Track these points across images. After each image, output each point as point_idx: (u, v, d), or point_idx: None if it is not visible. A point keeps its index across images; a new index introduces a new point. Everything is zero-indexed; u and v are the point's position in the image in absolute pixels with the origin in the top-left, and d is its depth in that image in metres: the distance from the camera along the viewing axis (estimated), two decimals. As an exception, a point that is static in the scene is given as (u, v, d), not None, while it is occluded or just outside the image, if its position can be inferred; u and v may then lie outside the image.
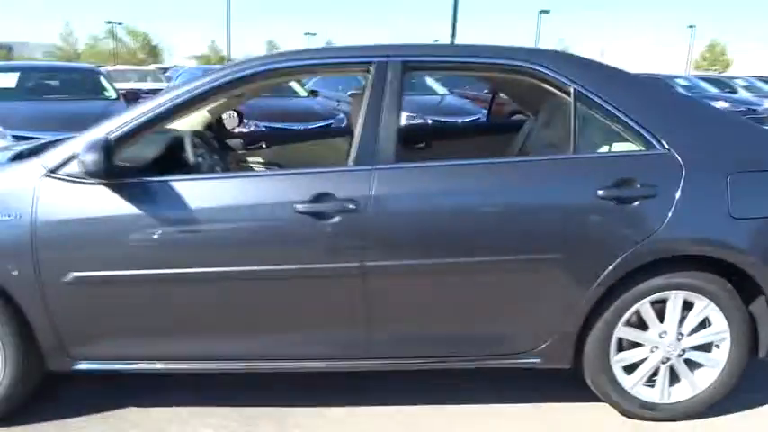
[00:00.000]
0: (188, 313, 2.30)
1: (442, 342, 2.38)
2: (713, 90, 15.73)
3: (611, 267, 2.26)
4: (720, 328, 2.38)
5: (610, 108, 2.36)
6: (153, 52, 76.31)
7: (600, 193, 2.23)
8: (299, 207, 2.19)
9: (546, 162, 2.39)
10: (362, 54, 2.45)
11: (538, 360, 2.41)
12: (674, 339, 2.40)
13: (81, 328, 2.31)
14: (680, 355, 2.42)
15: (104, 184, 2.21)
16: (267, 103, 7.71)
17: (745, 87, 16.91)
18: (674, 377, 2.46)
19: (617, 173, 2.26)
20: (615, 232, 2.26)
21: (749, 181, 2.28)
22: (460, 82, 12.17)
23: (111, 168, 2.12)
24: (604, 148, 2.49)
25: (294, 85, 9.43)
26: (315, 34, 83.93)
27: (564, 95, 2.42)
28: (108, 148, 2.11)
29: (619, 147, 2.45)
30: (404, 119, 3.40)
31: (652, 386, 2.46)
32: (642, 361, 2.44)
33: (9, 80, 7.53)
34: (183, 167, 2.54)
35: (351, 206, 2.20)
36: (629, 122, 2.34)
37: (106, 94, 7.96)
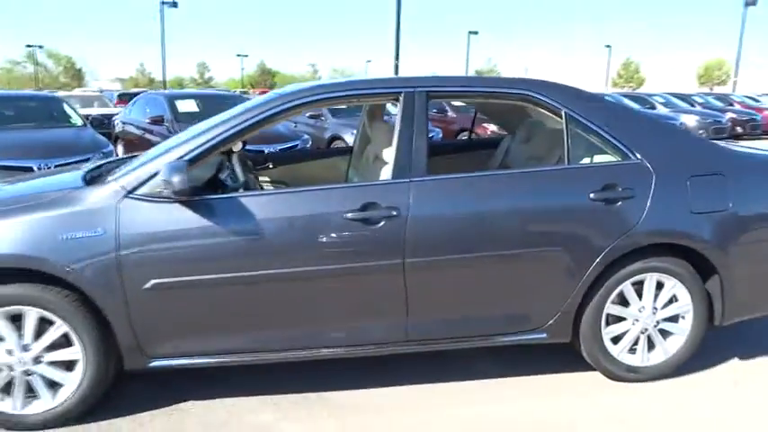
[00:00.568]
0: (252, 311, 2.65)
1: (468, 324, 2.83)
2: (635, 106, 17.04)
3: (601, 256, 2.79)
4: (685, 303, 2.96)
5: (593, 126, 2.91)
6: (77, 76, 73.86)
7: (592, 195, 2.77)
8: (349, 215, 2.61)
9: (548, 172, 2.91)
10: (392, 85, 2.91)
11: (544, 336, 2.90)
12: (651, 313, 2.95)
13: (156, 330, 2.61)
14: (655, 326, 2.98)
15: (178, 202, 2.55)
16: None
17: (663, 103, 18.43)
18: (650, 345, 3.01)
19: (603, 179, 2.81)
20: (604, 227, 2.79)
21: (704, 183, 2.88)
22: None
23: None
24: (587, 160, 3.04)
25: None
26: (247, 56, 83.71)
27: (556, 117, 2.95)
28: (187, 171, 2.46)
29: (600, 158, 3.00)
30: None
31: (634, 353, 3.00)
32: (626, 332, 2.97)
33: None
34: (228, 185, 2.90)
35: (393, 212, 2.63)
36: (609, 138, 2.90)
37: (72, 120, 8.02)
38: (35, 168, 6.34)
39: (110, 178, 2.66)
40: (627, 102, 17.48)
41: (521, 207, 2.77)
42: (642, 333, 2.98)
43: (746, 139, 17.47)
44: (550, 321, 2.88)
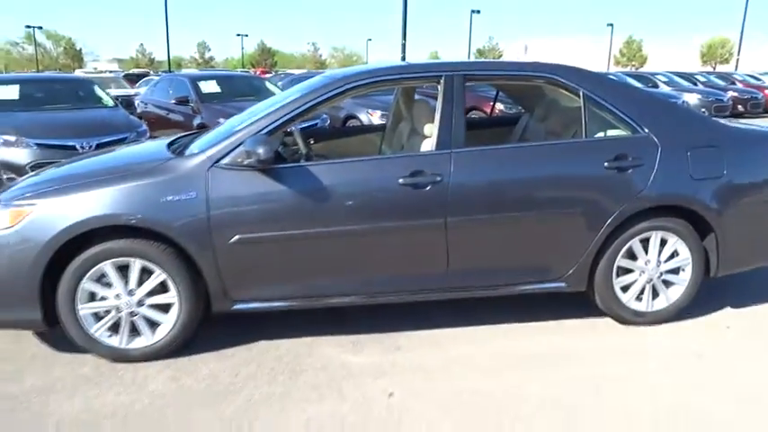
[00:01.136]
0: (319, 262, 3.13)
1: (500, 274, 3.31)
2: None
3: (613, 216, 3.26)
4: (685, 257, 3.44)
5: (606, 105, 3.37)
6: (77, 57, 73.73)
7: (606, 164, 3.24)
8: (401, 180, 3.08)
9: (569, 144, 3.38)
10: (435, 70, 3.37)
11: (564, 285, 3.39)
12: (655, 266, 3.43)
13: (239, 277, 3.09)
14: (659, 277, 3.46)
15: (256, 170, 3.01)
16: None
17: (665, 82, 18.78)
18: (654, 293, 3.50)
19: (616, 150, 3.28)
20: (616, 192, 3.26)
21: (702, 154, 3.34)
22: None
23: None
24: (601, 134, 3.50)
25: (273, 88, 10.21)
26: (247, 35, 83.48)
27: (574, 96, 3.41)
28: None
29: (612, 132, 3.46)
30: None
31: (640, 300, 3.49)
32: (633, 282, 3.46)
33: (12, 92, 7.89)
34: (291, 156, 3.37)
35: (437, 178, 3.10)
36: (620, 114, 3.37)
37: (104, 101, 8.44)
38: (78, 147, 6.78)
39: (196, 150, 3.13)
40: (630, 81, 17.85)
41: (545, 174, 3.24)
42: (648, 283, 3.46)
43: (747, 117, 17.88)
44: (569, 272, 3.36)
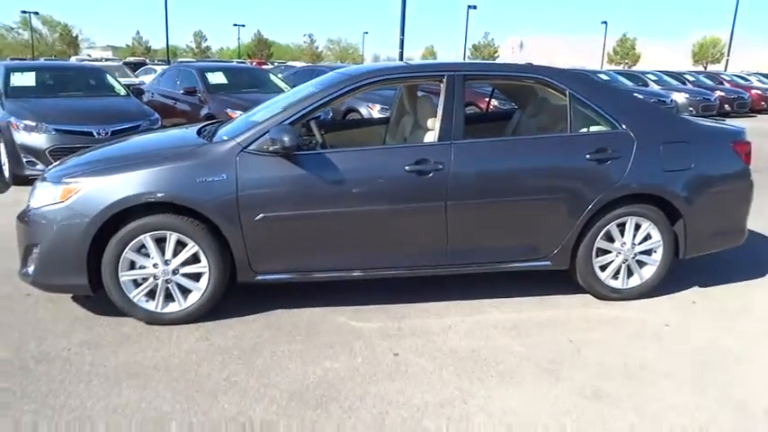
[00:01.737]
0: (333, 239, 3.54)
1: (493, 252, 3.73)
2: (629, 83, 17.90)
3: (594, 202, 3.69)
4: (657, 240, 3.87)
5: (590, 103, 3.79)
6: (72, 43, 73.53)
7: (588, 156, 3.66)
8: (407, 168, 3.49)
9: (556, 137, 3.80)
10: (439, 69, 3.78)
11: (549, 263, 3.81)
12: (630, 247, 3.87)
13: (263, 251, 3.49)
14: (633, 258, 3.89)
15: (279, 156, 3.41)
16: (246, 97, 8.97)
17: (655, 81, 19.26)
18: (629, 272, 3.93)
19: (597, 144, 3.70)
20: (596, 181, 3.68)
21: (673, 148, 3.78)
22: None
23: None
24: (584, 129, 3.92)
25: (278, 81, 10.59)
26: (244, 25, 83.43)
27: (561, 95, 3.83)
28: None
29: (594, 128, 3.88)
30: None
31: (616, 278, 3.93)
32: (611, 262, 3.89)
33: (28, 79, 8.22)
34: (306, 145, 3.76)
35: (439, 166, 3.51)
36: (602, 112, 3.79)
37: (116, 90, 8.78)
38: (94, 133, 7.14)
39: (225, 137, 3.53)
40: (621, 79, 18.33)
41: (534, 164, 3.66)
42: (623, 263, 3.90)
43: (733, 117, 18.40)
44: (554, 252, 3.79)
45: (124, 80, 13.79)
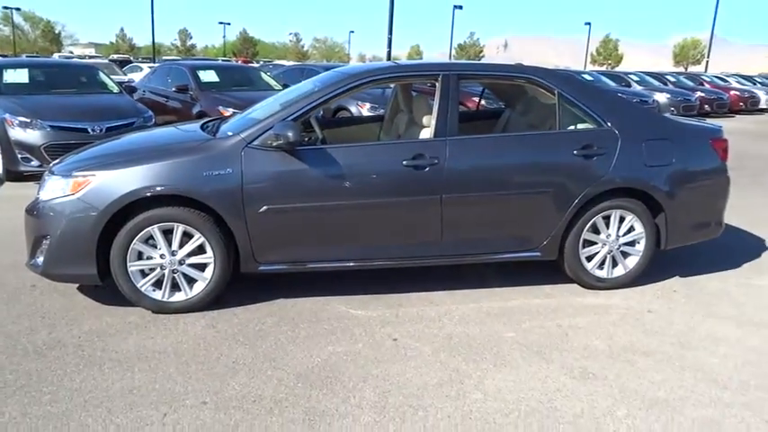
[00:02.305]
0: (333, 231, 3.69)
1: (486, 244, 3.92)
2: (612, 83, 18.23)
3: (580, 196, 3.88)
4: (640, 232, 4.08)
5: (577, 102, 3.98)
6: (55, 40, 72.70)
7: (575, 152, 3.86)
8: (405, 162, 3.66)
9: (545, 134, 4.00)
10: (433, 69, 3.96)
11: (539, 254, 4.01)
12: (615, 239, 4.07)
13: (266, 242, 3.64)
14: (618, 249, 4.10)
15: (282, 150, 3.56)
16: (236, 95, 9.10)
17: (637, 82, 19.64)
18: (614, 262, 4.14)
19: (583, 140, 3.90)
20: (583, 176, 3.88)
21: (655, 145, 3.99)
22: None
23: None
24: (572, 127, 4.12)
25: (269, 79, 10.71)
26: (229, 23, 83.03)
27: (550, 95, 4.02)
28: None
29: (581, 125, 4.08)
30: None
31: (602, 268, 4.13)
32: (596, 253, 4.09)
33: (21, 75, 8.26)
34: (310, 139, 3.92)
35: (435, 161, 3.69)
36: (588, 110, 3.99)
37: (109, 87, 8.84)
38: (89, 130, 7.22)
39: (230, 132, 3.67)
40: (605, 79, 18.67)
41: (525, 160, 3.85)
42: (608, 254, 4.10)
43: (713, 117, 18.83)
44: (543, 244, 3.98)
45: (114, 78, 13.82)
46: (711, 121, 4.74)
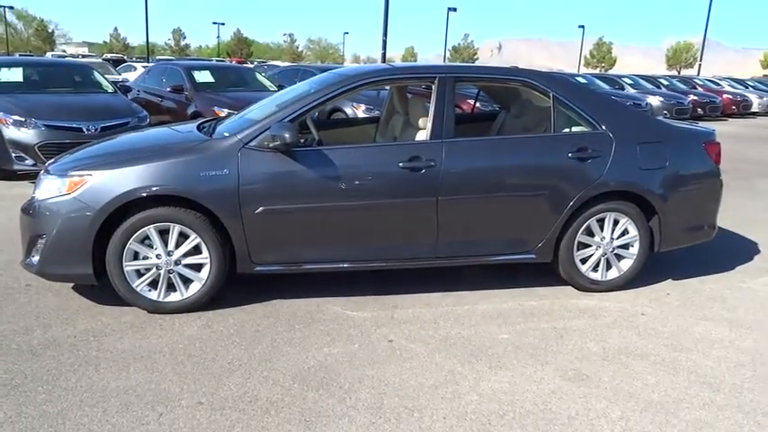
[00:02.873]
0: (330, 231, 3.70)
1: (481, 245, 3.93)
2: (606, 86, 18.32)
3: (575, 199, 3.91)
4: (634, 234, 4.11)
5: (572, 105, 4.01)
6: (48, 39, 72.33)
7: (570, 155, 3.88)
8: (401, 164, 3.67)
9: (540, 137, 4.02)
10: (431, 72, 3.98)
11: (533, 256, 4.03)
12: (609, 242, 4.10)
13: (262, 243, 3.64)
14: (612, 251, 4.13)
15: (279, 151, 3.57)
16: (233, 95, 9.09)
17: (631, 85, 19.74)
18: (608, 265, 4.17)
19: (578, 143, 3.92)
20: (578, 178, 3.91)
21: (649, 148, 4.02)
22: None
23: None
24: (567, 130, 4.14)
25: (264, 80, 10.71)
26: (223, 23, 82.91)
27: (545, 97, 4.05)
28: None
29: (576, 128, 4.11)
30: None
31: (596, 271, 4.16)
32: (591, 255, 4.12)
33: (15, 74, 8.22)
34: (307, 141, 3.93)
35: (431, 163, 3.70)
36: (583, 113, 4.02)
37: (103, 87, 8.82)
38: (84, 129, 7.19)
39: (226, 133, 3.68)
40: (599, 82, 18.76)
41: (520, 162, 3.87)
42: (603, 256, 4.13)
43: (706, 120, 18.95)
44: (538, 246, 4.00)
45: (108, 77, 13.77)
46: (704, 125, 4.78)
